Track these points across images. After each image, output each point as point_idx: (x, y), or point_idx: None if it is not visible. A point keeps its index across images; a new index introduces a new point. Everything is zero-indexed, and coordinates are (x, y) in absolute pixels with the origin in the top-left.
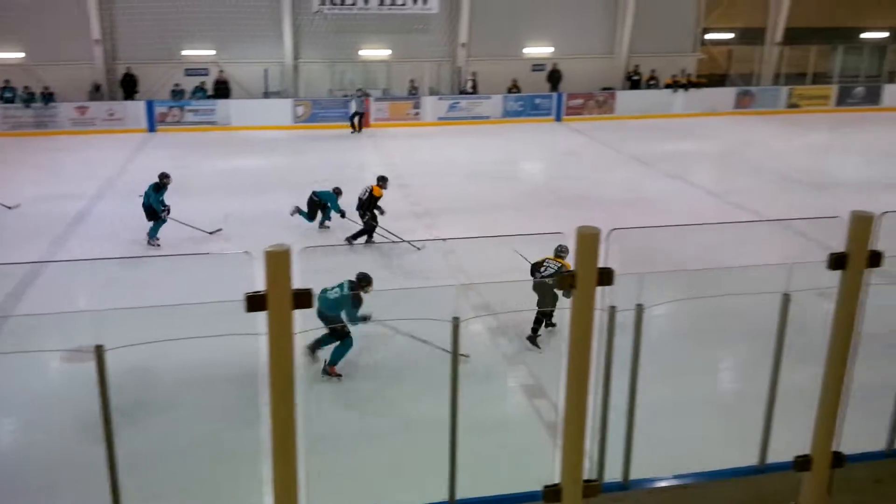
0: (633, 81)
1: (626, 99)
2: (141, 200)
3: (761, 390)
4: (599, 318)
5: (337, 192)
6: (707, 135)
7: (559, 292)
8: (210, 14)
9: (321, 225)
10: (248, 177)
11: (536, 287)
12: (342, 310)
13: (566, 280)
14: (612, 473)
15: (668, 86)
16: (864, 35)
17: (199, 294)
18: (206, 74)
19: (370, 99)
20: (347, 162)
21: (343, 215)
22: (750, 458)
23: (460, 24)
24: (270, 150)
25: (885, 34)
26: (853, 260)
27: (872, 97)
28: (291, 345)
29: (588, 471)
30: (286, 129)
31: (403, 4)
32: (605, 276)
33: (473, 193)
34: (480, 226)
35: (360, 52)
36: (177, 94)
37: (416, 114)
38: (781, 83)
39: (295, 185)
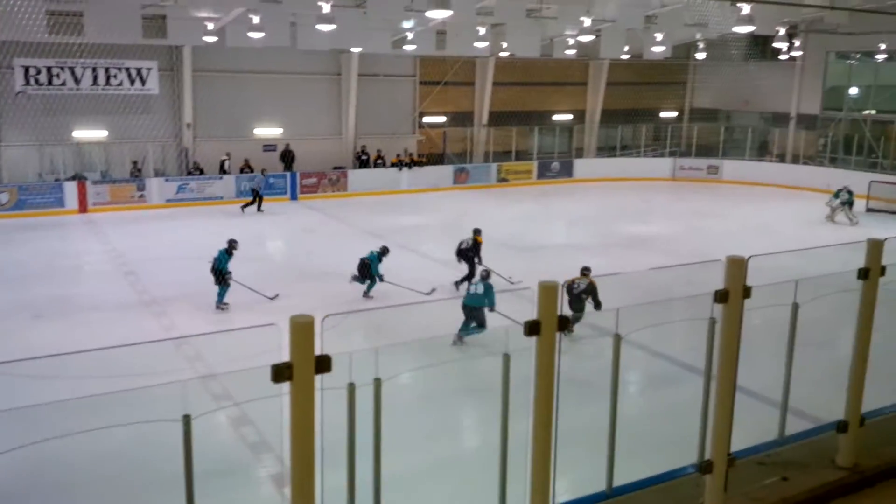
0: (363, 160)
1: (358, 177)
2: (210, 265)
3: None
4: (319, 397)
5: (383, 251)
6: (431, 208)
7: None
8: None
9: (365, 294)
10: None
11: (573, 301)
12: (485, 299)
13: (281, 372)
14: None
15: (393, 164)
16: (554, 117)
17: None
18: None
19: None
20: (62, 251)
21: (381, 279)
22: None
23: (184, 105)
24: None
25: (570, 116)
26: (545, 326)
27: (566, 170)
28: None
29: None
30: None
31: (121, 85)
32: (323, 364)
33: (208, 277)
34: (217, 310)
35: (74, 134)
36: None
37: (141, 196)
38: (491, 160)
39: (3, 281)
